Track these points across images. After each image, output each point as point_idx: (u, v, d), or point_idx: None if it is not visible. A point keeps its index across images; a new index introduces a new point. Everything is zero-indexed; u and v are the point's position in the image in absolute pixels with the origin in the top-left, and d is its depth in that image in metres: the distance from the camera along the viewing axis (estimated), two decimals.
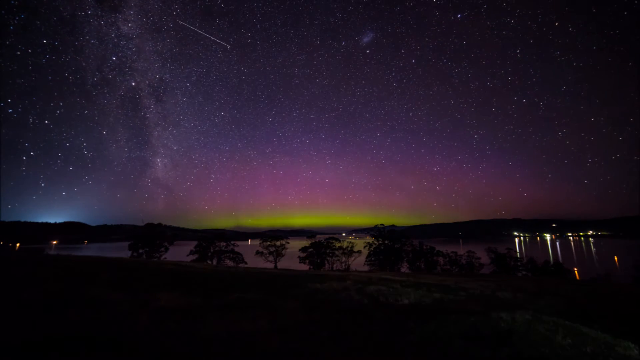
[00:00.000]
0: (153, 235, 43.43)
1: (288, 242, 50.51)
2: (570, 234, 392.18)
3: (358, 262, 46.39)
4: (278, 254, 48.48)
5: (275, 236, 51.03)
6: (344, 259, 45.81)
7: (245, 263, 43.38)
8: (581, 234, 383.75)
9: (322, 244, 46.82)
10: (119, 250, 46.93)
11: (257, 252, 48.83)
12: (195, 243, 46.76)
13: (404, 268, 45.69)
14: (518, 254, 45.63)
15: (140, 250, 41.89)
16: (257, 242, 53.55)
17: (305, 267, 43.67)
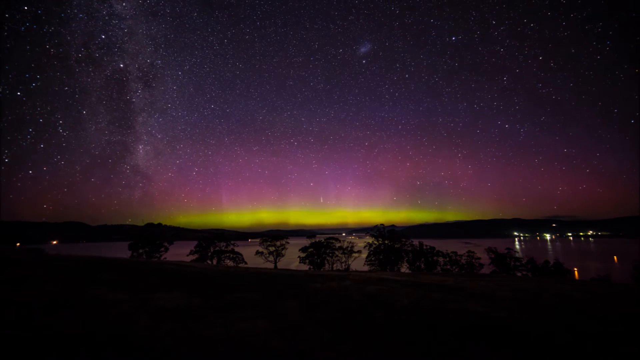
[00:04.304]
0: (153, 235, 43.46)
1: (288, 242, 50.53)
2: (570, 234, 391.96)
3: (358, 262, 46.37)
4: (278, 254, 48.51)
5: (275, 236, 51.07)
6: (344, 259, 45.78)
7: (245, 263, 43.38)
8: (581, 234, 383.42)
9: (322, 244, 46.82)
10: (119, 250, 46.91)
11: (257, 252, 48.87)
12: (195, 243, 46.82)
13: (404, 268, 45.64)
14: (518, 254, 45.56)
15: (140, 250, 41.87)
16: (257, 241, 53.60)
17: (305, 267, 43.65)
